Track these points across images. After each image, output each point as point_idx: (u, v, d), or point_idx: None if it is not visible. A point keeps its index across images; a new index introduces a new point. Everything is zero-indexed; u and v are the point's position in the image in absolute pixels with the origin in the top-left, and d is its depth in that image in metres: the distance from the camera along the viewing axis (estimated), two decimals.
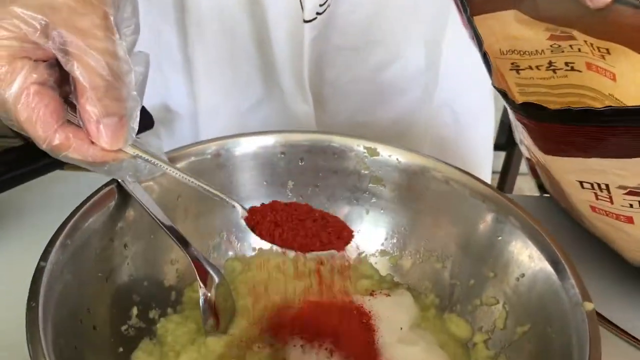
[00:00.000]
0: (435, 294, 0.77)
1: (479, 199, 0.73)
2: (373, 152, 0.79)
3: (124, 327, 0.66)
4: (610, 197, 0.70)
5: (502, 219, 0.71)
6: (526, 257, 0.67)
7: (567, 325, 0.59)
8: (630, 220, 0.71)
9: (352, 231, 0.68)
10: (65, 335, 0.56)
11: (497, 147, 1.17)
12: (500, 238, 0.71)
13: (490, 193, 0.72)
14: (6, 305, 0.67)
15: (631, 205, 0.68)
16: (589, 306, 0.58)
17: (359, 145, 0.79)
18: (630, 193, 0.67)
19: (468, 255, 0.74)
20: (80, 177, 0.96)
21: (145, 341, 0.67)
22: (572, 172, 0.70)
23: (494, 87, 0.65)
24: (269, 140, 0.78)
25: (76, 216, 0.62)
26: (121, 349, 0.64)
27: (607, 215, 0.73)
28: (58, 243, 0.59)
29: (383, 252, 0.81)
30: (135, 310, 0.68)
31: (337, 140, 0.80)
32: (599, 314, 0.62)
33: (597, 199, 0.71)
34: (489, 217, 0.72)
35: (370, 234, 0.81)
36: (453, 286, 0.75)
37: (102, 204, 0.66)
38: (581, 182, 0.71)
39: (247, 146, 0.78)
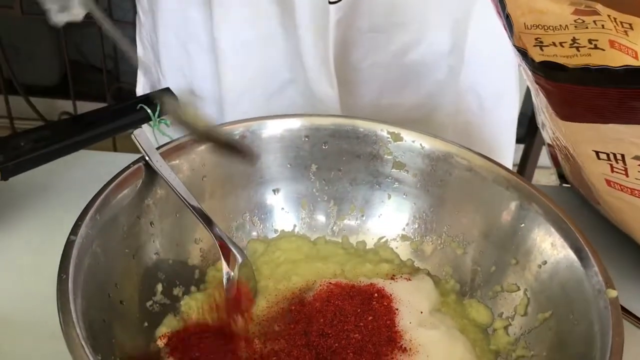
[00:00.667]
0: (455, 279, 0.77)
1: (503, 185, 0.73)
2: (397, 137, 0.79)
3: (149, 303, 0.67)
4: (626, 169, 0.69)
5: (525, 206, 0.71)
6: (549, 245, 0.68)
7: (589, 312, 0.59)
8: None
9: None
10: (94, 309, 0.57)
11: (516, 139, 1.17)
12: (523, 225, 0.71)
13: (513, 180, 0.73)
14: (33, 282, 0.69)
15: None
16: (613, 293, 0.58)
17: (382, 130, 0.79)
18: None
19: (490, 242, 0.74)
20: (105, 157, 0.98)
21: (169, 317, 0.69)
22: (588, 141, 0.70)
23: (514, 46, 0.65)
24: (294, 124, 0.79)
25: (105, 192, 0.63)
26: (146, 324, 0.66)
27: (622, 190, 0.72)
28: (88, 217, 0.60)
29: (404, 237, 0.81)
30: (160, 287, 0.69)
31: (361, 125, 0.80)
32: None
33: (612, 171, 0.71)
34: (512, 204, 0.72)
35: (392, 219, 0.82)
36: (474, 272, 0.76)
37: (130, 181, 0.67)
38: (597, 153, 0.70)
39: (272, 129, 0.78)
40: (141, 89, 1.11)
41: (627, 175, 0.70)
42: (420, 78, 1.01)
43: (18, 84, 2.02)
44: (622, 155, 0.68)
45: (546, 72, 0.63)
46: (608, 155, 0.69)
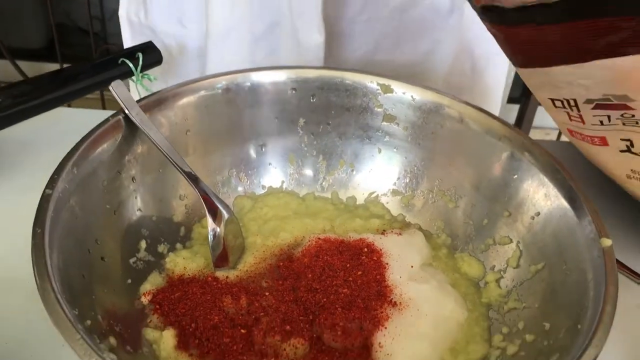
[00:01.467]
0: (447, 233, 0.76)
1: (495, 137, 0.71)
2: (387, 89, 0.77)
3: (132, 260, 0.66)
4: (581, 116, 0.68)
5: (518, 156, 0.69)
6: (542, 195, 0.66)
7: (582, 262, 0.58)
8: (604, 141, 0.69)
9: None
10: (72, 264, 0.55)
11: (512, 100, 1.15)
12: (515, 176, 0.69)
13: (506, 131, 0.70)
14: (12, 240, 0.67)
15: (601, 122, 0.66)
16: (607, 242, 0.57)
17: (372, 82, 0.77)
18: (597, 107, 0.65)
19: (482, 195, 0.73)
20: (87, 114, 0.95)
21: (154, 274, 0.67)
22: (542, 87, 0.69)
23: None
24: (280, 76, 0.76)
25: (83, 146, 0.61)
26: (129, 281, 0.64)
27: (583, 139, 0.71)
28: (65, 171, 0.58)
29: (395, 192, 0.80)
30: (143, 244, 0.67)
31: (350, 77, 0.77)
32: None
33: (570, 119, 0.70)
34: (505, 155, 0.70)
35: (382, 174, 0.80)
36: (466, 226, 0.74)
37: (109, 135, 0.64)
38: (553, 100, 0.69)
39: (258, 81, 0.76)
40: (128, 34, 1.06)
41: (583, 122, 0.68)
42: (417, 36, 0.98)
43: (4, 47, 1.97)
44: (575, 101, 0.67)
45: (488, 16, 0.62)
46: (562, 102, 0.68)
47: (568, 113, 0.69)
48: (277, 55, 0.95)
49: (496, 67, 1.10)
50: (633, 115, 0.64)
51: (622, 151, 0.68)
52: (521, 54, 0.67)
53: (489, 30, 0.65)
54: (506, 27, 0.63)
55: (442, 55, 1.02)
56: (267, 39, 0.95)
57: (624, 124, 0.66)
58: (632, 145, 0.67)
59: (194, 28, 0.98)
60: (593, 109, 0.66)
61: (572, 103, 0.67)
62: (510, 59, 0.69)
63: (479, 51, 1.05)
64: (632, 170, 0.70)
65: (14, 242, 0.63)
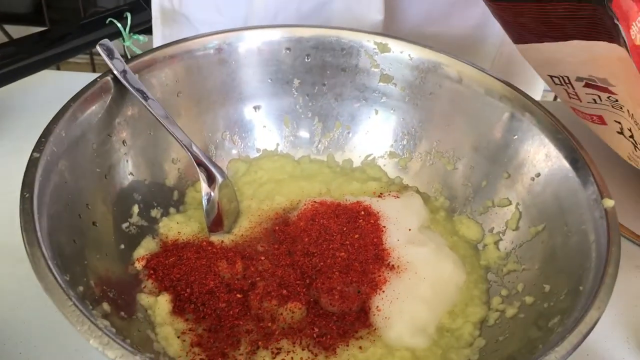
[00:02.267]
0: (445, 196, 0.75)
1: (495, 97, 0.69)
2: (384, 48, 0.74)
3: (125, 225, 0.64)
4: (577, 94, 0.68)
5: (518, 116, 0.67)
6: (543, 156, 0.64)
7: (584, 223, 0.57)
8: (602, 120, 0.69)
9: None
10: (63, 229, 0.54)
11: None
12: (515, 137, 0.68)
13: (507, 90, 0.69)
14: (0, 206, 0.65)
15: (594, 101, 0.66)
16: (609, 202, 0.56)
17: (369, 41, 0.75)
18: (587, 85, 0.65)
19: (481, 156, 0.71)
20: (75, 77, 0.93)
21: (147, 239, 0.66)
22: (538, 64, 0.69)
23: None
24: (274, 35, 0.74)
25: (71, 108, 0.59)
26: (122, 246, 0.63)
27: (584, 117, 0.71)
28: (53, 134, 0.56)
29: (392, 154, 0.78)
30: (136, 209, 0.66)
31: (346, 36, 0.75)
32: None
33: (569, 97, 0.70)
34: (505, 116, 0.69)
35: (379, 136, 0.78)
36: (464, 188, 0.73)
37: (98, 97, 0.62)
38: (552, 77, 0.69)
39: (250, 41, 0.73)
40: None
41: (580, 100, 0.68)
42: (468, 7, 0.94)
43: None
44: (568, 78, 0.67)
45: None
46: (559, 79, 0.68)
47: (566, 90, 0.69)
48: None
49: None
50: (617, 100, 0.63)
51: (617, 132, 0.68)
52: (514, 30, 0.67)
53: (490, 9, 0.66)
54: (498, 4, 0.64)
55: (493, 26, 0.98)
56: (315, 17, 0.90)
57: (612, 106, 0.65)
58: (622, 129, 0.67)
59: (231, 15, 0.92)
60: (584, 87, 0.66)
61: (566, 80, 0.67)
62: (508, 35, 0.70)
63: None
64: (629, 154, 0.70)
65: (3, 208, 0.61)
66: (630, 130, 0.66)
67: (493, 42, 0.99)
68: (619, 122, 0.67)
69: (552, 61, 0.67)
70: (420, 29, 0.95)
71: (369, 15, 0.89)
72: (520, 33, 0.67)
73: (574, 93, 0.69)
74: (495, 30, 0.98)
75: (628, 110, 0.63)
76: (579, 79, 0.66)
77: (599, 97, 0.66)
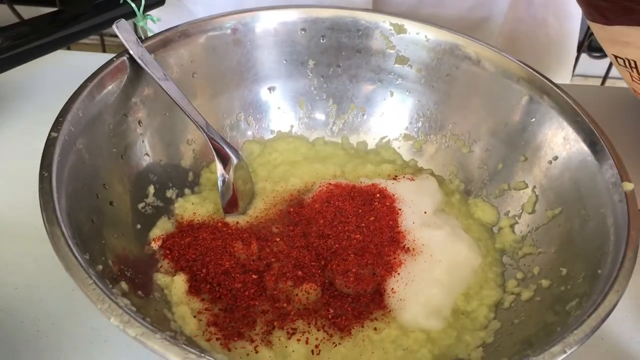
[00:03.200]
0: (460, 179, 0.74)
1: (513, 79, 0.69)
2: (400, 29, 0.74)
3: (141, 205, 0.65)
4: None
5: (536, 99, 0.67)
6: (561, 139, 0.64)
7: (602, 207, 0.57)
8: None
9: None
10: (81, 209, 0.54)
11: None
12: (533, 120, 0.67)
13: (525, 72, 0.68)
14: (18, 186, 0.66)
15: None
16: (629, 186, 0.55)
17: (384, 22, 0.74)
18: None
19: (498, 139, 0.71)
20: (89, 57, 0.92)
21: (163, 219, 0.66)
22: (605, 41, 0.68)
23: None
24: (289, 15, 0.73)
25: (88, 87, 0.59)
26: (139, 226, 0.63)
27: None
28: (70, 114, 0.56)
29: (407, 137, 0.78)
30: (152, 189, 0.66)
31: (362, 17, 0.74)
32: None
33: (632, 79, 0.68)
34: (523, 98, 0.68)
35: (394, 118, 0.78)
36: (480, 171, 0.73)
37: (114, 76, 0.62)
38: (616, 57, 0.68)
39: (266, 21, 0.73)
40: None
41: None
42: None
43: None
44: (635, 63, 0.65)
45: None
46: (624, 61, 0.67)
47: (630, 73, 0.68)
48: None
49: (562, 17, 1.03)
50: None
51: None
52: (590, 6, 0.66)
53: None
54: None
55: (494, 5, 0.96)
56: None
57: None
58: None
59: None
60: None
61: (632, 64, 0.66)
62: (583, 11, 0.69)
63: (539, 0, 0.99)
64: None
65: (20, 188, 0.62)
66: None
67: (491, 23, 0.98)
68: None
69: (618, 43, 0.66)
70: (414, 10, 0.94)
71: None
72: (590, 11, 0.66)
73: (638, 78, 0.68)
74: (494, 11, 0.97)
75: None
76: None
77: None
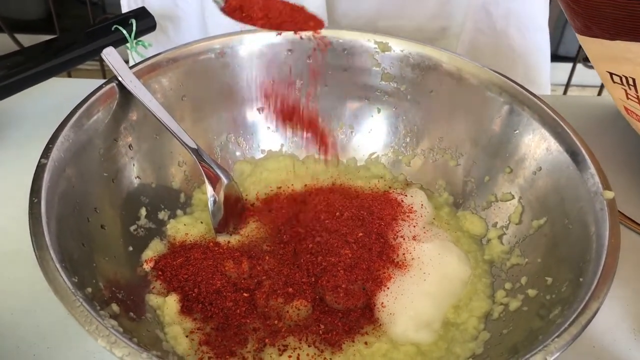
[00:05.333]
0: (449, 192, 0.75)
1: (495, 92, 0.70)
2: (385, 47, 0.75)
3: (133, 228, 0.66)
4: (638, 97, 0.66)
5: (519, 111, 0.68)
6: (544, 150, 0.65)
7: (585, 215, 0.57)
8: None
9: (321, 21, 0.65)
10: (71, 233, 0.55)
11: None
12: (516, 131, 0.68)
13: (506, 85, 0.69)
14: (9, 213, 0.67)
15: None
16: (609, 194, 0.56)
17: (369, 41, 0.75)
18: None
19: (483, 152, 0.72)
20: (84, 84, 0.94)
21: (155, 241, 0.67)
22: (601, 58, 0.67)
23: None
24: (275, 37, 0.75)
25: (77, 114, 0.60)
26: (131, 248, 0.64)
27: (639, 120, 0.70)
28: (59, 140, 0.57)
29: (395, 152, 0.79)
30: (143, 211, 0.67)
31: (346, 36, 0.76)
32: (620, 212, 0.60)
33: (627, 97, 0.68)
34: (505, 110, 0.69)
35: (382, 134, 0.79)
36: (467, 183, 0.73)
37: (103, 102, 0.64)
38: (611, 75, 0.68)
39: (252, 44, 0.74)
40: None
41: None
42: None
43: (1, 19, 1.95)
44: (634, 80, 0.65)
45: None
46: (621, 78, 0.67)
47: (626, 91, 0.67)
48: None
49: (525, 30, 1.02)
50: None
51: None
52: (582, 20, 0.65)
53: None
54: None
55: (452, 16, 0.97)
56: None
57: None
58: None
59: (189, 6, 0.94)
60: None
61: (630, 82, 0.66)
62: (571, 22, 0.68)
63: (498, 11, 0.98)
64: None
65: (15, 214, 0.63)
66: None
67: (450, 34, 0.99)
68: None
69: (617, 59, 0.65)
70: (372, 23, 0.95)
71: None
72: (588, 26, 0.66)
73: (635, 96, 0.67)
74: (452, 22, 0.97)
75: None
76: None
77: None
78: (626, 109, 0.71)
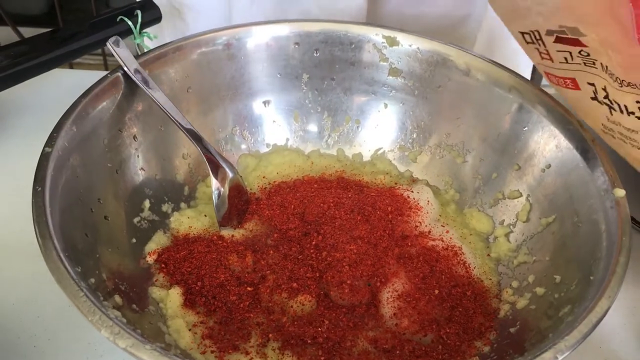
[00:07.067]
0: (455, 189, 0.74)
1: (504, 88, 0.69)
2: (393, 42, 0.74)
3: (136, 220, 0.65)
4: (548, 52, 0.64)
5: (528, 108, 0.67)
6: (553, 147, 0.64)
7: (595, 213, 0.57)
8: (575, 84, 0.65)
9: None
10: (75, 223, 0.54)
11: None
12: (525, 129, 0.67)
13: (516, 82, 0.68)
14: (14, 203, 0.66)
15: (566, 60, 0.63)
16: (620, 192, 0.55)
17: (377, 35, 0.75)
18: (557, 40, 0.61)
19: (491, 149, 0.71)
20: (89, 75, 0.93)
21: (158, 234, 0.66)
22: (510, 17, 0.66)
23: None
24: (282, 30, 0.74)
25: (82, 103, 0.60)
26: (134, 240, 0.63)
27: (558, 83, 0.67)
28: (64, 129, 0.57)
29: (402, 148, 0.78)
30: (147, 204, 0.66)
31: (354, 30, 0.75)
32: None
33: (541, 57, 0.66)
34: (515, 108, 0.68)
35: (389, 129, 0.78)
36: (474, 180, 0.73)
37: (108, 92, 0.63)
38: (523, 34, 0.65)
39: (259, 36, 0.74)
40: None
41: (552, 59, 0.64)
42: None
43: (5, 12, 1.94)
44: (538, 33, 0.63)
45: None
46: (530, 35, 0.64)
47: (538, 50, 0.65)
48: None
49: None
50: (588, 54, 0.60)
51: (592, 98, 0.64)
52: None
53: None
54: None
55: (475, 5, 0.97)
56: (292, 3, 0.90)
57: (584, 64, 0.62)
58: (596, 91, 0.63)
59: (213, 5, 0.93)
60: (555, 42, 0.62)
61: (537, 36, 0.64)
62: None
63: None
64: (603, 124, 0.65)
65: (17, 205, 0.62)
66: (605, 89, 0.62)
67: (472, 21, 0.98)
68: (592, 84, 0.63)
69: (522, 11, 0.63)
70: (398, 10, 0.94)
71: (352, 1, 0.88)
72: None
73: (545, 52, 0.65)
74: (474, 10, 0.97)
75: (602, 64, 0.60)
76: (549, 33, 0.63)
77: (570, 54, 0.62)
78: (547, 74, 0.68)
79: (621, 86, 0.58)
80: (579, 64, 0.62)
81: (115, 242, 0.61)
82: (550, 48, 0.64)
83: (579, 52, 0.61)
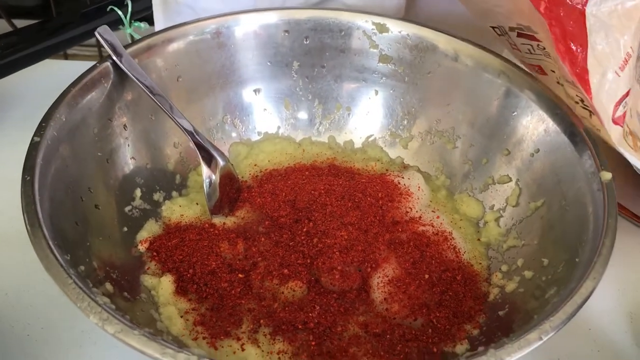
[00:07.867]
0: (446, 175, 0.75)
1: (493, 74, 0.69)
2: (382, 29, 0.74)
3: (127, 208, 0.65)
4: (515, 44, 0.66)
5: (517, 93, 0.67)
6: (542, 132, 0.64)
7: (582, 196, 0.57)
8: (542, 70, 0.66)
9: None
10: (65, 212, 0.55)
11: None
12: (514, 113, 0.68)
13: (504, 67, 0.69)
14: (4, 194, 0.66)
15: (529, 51, 0.64)
16: (607, 175, 0.55)
17: (367, 22, 0.75)
18: (519, 35, 0.63)
19: (481, 134, 0.71)
20: (80, 66, 0.93)
21: (150, 222, 0.67)
22: (478, 14, 0.67)
23: None
24: (271, 18, 0.74)
25: (71, 93, 0.60)
26: (126, 229, 0.64)
27: (531, 70, 0.68)
28: (53, 119, 0.57)
29: (393, 134, 0.78)
30: (138, 192, 0.67)
31: (344, 17, 0.75)
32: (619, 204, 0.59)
33: (512, 47, 0.67)
34: (503, 92, 0.69)
35: (380, 116, 0.78)
36: (464, 166, 0.73)
37: (98, 82, 0.63)
38: (493, 28, 0.67)
39: (248, 24, 0.74)
40: None
41: (519, 50, 0.66)
42: None
43: None
44: (503, 28, 0.65)
45: None
46: (498, 29, 0.66)
47: (508, 41, 0.67)
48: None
49: None
50: (544, 48, 0.62)
51: (557, 82, 0.66)
52: None
53: None
54: None
55: None
56: (331, 3, 0.87)
57: (544, 55, 0.64)
58: (558, 77, 0.65)
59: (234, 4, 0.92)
60: (517, 37, 0.64)
61: (503, 30, 0.65)
62: None
63: None
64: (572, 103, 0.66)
65: (8, 194, 0.62)
66: (559, 81, 0.64)
67: None
68: (554, 71, 0.65)
69: (486, 11, 0.65)
70: (437, 8, 0.92)
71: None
72: None
73: (513, 43, 0.67)
74: None
75: (553, 58, 0.62)
76: (511, 29, 0.64)
77: (532, 46, 0.64)
78: (522, 62, 0.69)
79: (566, 80, 0.60)
80: (540, 54, 0.64)
81: (106, 230, 0.61)
82: (516, 41, 0.65)
83: (537, 46, 0.63)
